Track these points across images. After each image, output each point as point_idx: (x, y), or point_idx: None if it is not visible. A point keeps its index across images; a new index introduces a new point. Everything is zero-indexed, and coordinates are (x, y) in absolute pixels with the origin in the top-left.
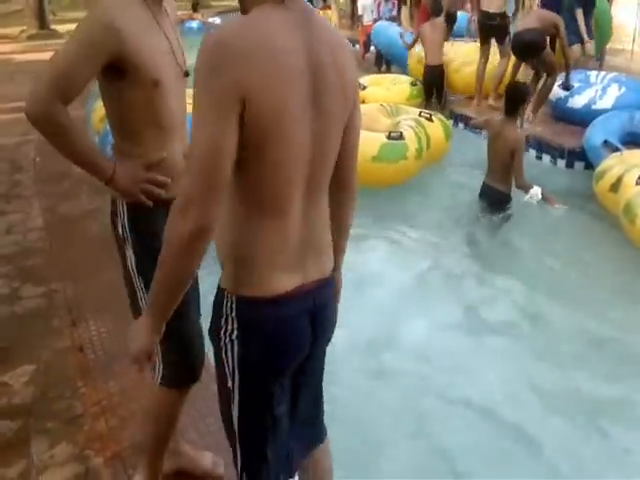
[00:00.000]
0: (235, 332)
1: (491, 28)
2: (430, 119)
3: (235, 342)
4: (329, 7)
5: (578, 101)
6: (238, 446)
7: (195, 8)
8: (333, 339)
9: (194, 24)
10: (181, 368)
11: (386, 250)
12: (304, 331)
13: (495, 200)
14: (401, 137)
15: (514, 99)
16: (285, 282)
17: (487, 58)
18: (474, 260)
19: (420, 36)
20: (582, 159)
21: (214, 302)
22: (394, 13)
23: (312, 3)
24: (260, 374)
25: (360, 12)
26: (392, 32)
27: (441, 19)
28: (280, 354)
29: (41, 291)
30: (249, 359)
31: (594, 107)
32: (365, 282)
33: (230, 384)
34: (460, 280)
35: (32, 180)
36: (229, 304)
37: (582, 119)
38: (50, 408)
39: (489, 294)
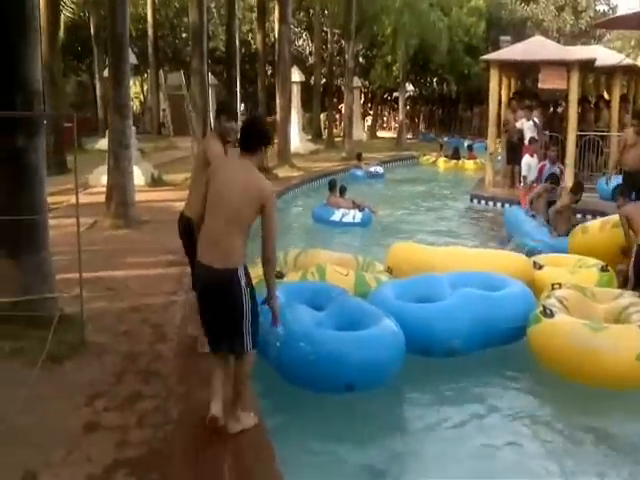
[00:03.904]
0: None
1: None
2: None
3: None
4: (475, 157)
5: None
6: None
7: (359, 158)
8: None
9: (358, 172)
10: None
11: None
12: (201, 281)
13: None
14: None
15: None
16: (201, 257)
17: None
18: None
19: (628, 218)
20: None
21: None
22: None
23: (458, 153)
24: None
25: (524, 172)
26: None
27: None
28: (196, 285)
29: None
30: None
31: None
32: None
33: None
34: None
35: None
36: None
37: None
38: None
39: None
